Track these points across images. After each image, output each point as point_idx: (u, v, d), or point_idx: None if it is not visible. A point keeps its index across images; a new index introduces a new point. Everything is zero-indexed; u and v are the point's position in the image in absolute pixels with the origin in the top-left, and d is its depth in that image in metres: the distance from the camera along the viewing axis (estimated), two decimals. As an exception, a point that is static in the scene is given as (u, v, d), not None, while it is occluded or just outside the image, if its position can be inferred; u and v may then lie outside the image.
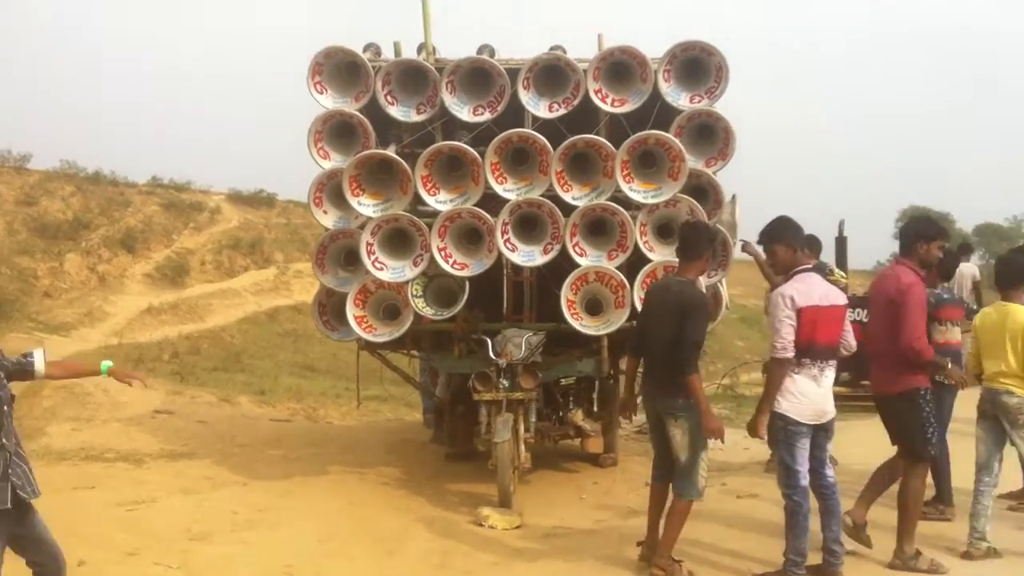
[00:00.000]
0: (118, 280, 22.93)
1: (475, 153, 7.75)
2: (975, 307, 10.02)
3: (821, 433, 5.82)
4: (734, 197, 8.47)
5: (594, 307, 7.98)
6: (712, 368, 17.70)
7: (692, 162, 7.89)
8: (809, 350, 5.67)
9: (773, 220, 5.98)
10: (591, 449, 9.27)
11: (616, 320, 7.80)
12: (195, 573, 6.21)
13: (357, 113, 8.04)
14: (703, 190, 8.09)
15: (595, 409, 9.77)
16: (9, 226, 22.61)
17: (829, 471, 5.88)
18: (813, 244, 7.73)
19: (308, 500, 8.03)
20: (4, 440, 3.82)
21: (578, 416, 9.02)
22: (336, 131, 8.15)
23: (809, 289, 5.68)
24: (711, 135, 8.07)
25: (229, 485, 8.48)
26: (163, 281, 23.49)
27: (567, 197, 7.78)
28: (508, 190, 7.80)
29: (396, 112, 8.08)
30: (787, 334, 5.59)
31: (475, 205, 7.90)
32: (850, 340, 5.92)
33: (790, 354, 5.60)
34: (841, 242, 11.09)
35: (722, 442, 6.01)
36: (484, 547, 6.95)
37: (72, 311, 20.27)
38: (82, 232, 23.86)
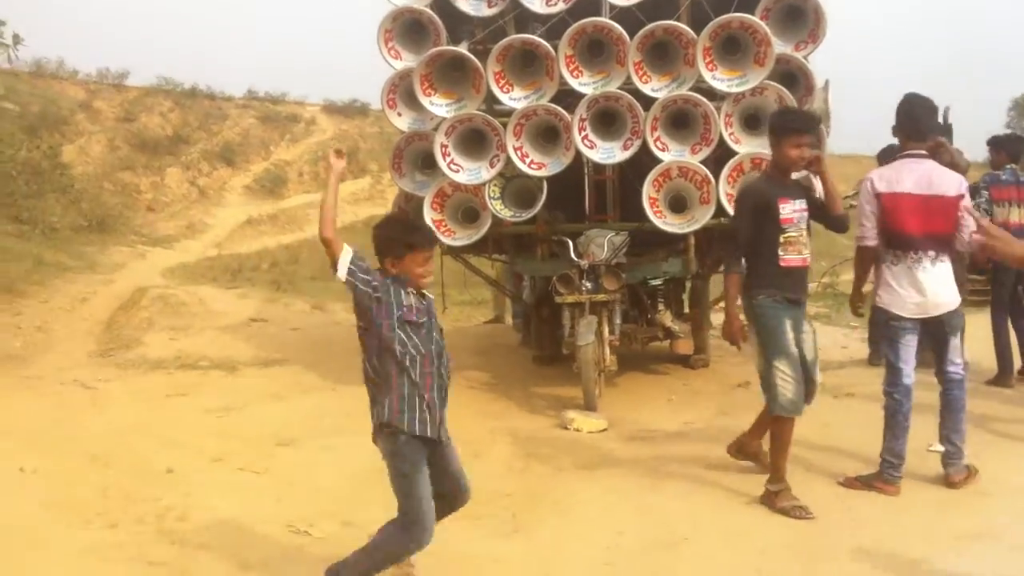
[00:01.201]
0: (218, 193, 23.31)
1: (548, 46, 7.42)
2: None
3: (939, 328, 5.59)
4: (827, 83, 7.99)
5: (678, 204, 7.67)
6: (816, 267, 17.18)
7: (780, 46, 7.44)
8: (899, 239, 5.47)
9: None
10: (681, 350, 9.05)
11: (701, 217, 7.49)
12: (279, 478, 6.24)
13: (426, 9, 7.78)
14: (793, 76, 7.63)
15: (685, 310, 9.55)
16: (110, 143, 23.08)
17: (952, 366, 5.64)
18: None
19: (394, 405, 8.02)
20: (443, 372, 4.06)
21: (666, 317, 8.81)
22: (406, 29, 7.92)
23: (898, 175, 5.43)
24: (801, 17, 7.58)
25: (318, 391, 8.54)
26: (261, 193, 23.77)
27: (646, 89, 7.42)
28: (584, 84, 7.48)
29: (466, 6, 7.79)
30: (867, 221, 5.51)
31: (551, 101, 7.62)
32: (965, 234, 5.49)
33: (871, 242, 5.51)
34: (946, 130, 10.47)
35: (737, 348, 5.71)
36: (568, 450, 6.83)
37: (174, 224, 20.73)
38: (181, 146, 24.25)
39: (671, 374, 9.16)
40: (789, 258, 5.31)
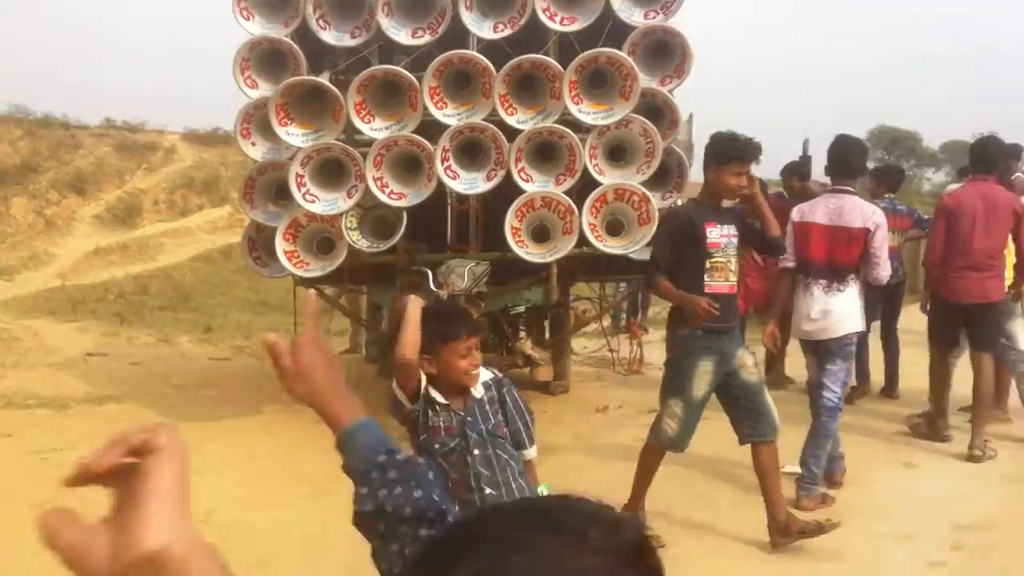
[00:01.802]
0: (66, 223, 22.13)
1: (412, 77, 7.20)
2: None
3: (822, 353, 6.10)
4: (691, 117, 8.04)
5: (541, 234, 7.53)
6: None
7: (646, 81, 7.41)
8: (802, 265, 6.10)
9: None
10: (540, 377, 8.97)
11: (563, 247, 7.37)
12: (102, 525, 5.78)
13: (286, 39, 7.47)
14: (659, 109, 7.62)
15: (545, 337, 9.44)
16: (-54, 167, 21.74)
17: (827, 392, 6.05)
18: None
19: (236, 443, 7.63)
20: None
21: (527, 345, 8.68)
22: (265, 59, 7.60)
23: (812, 207, 6.04)
24: (667, 52, 7.57)
25: (153, 431, 8.02)
26: (113, 222, 22.69)
27: (512, 121, 7.27)
28: (448, 115, 7.28)
29: (329, 37, 7.51)
30: (790, 246, 6.00)
31: (415, 133, 7.39)
32: (874, 272, 6.01)
33: (790, 263, 6.09)
34: (805, 161, 10.69)
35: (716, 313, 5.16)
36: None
37: (16, 255, 19.54)
38: (30, 176, 23.00)
39: (532, 401, 8.94)
40: (715, 284, 5.28)
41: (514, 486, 3.46)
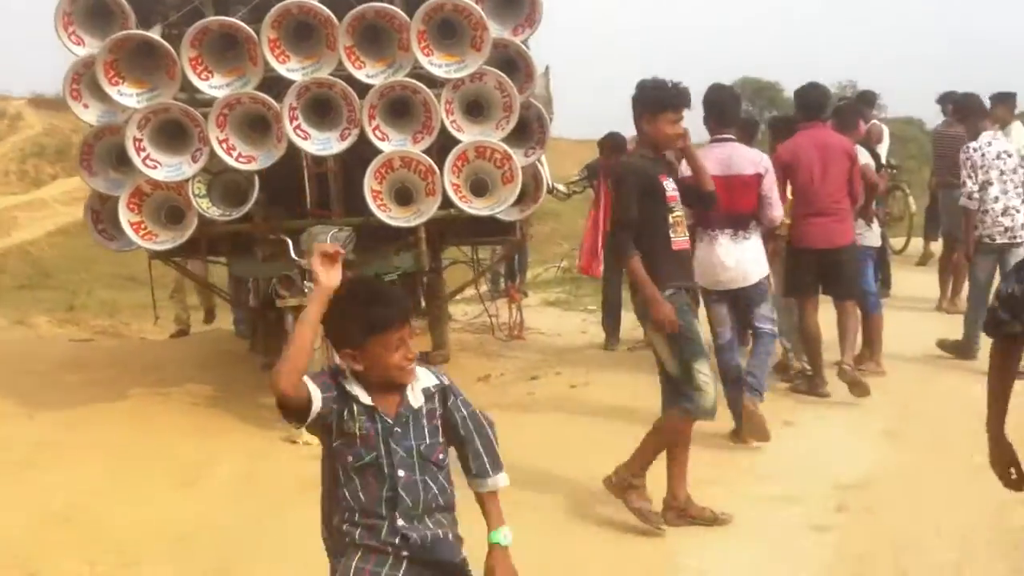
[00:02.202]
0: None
1: (249, 29, 6.78)
2: None
3: (744, 300, 6.34)
4: (547, 69, 7.86)
5: (404, 196, 7.25)
6: (555, 249, 17.37)
7: (497, 31, 7.16)
8: (702, 217, 6.22)
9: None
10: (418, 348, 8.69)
11: (427, 209, 7.10)
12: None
13: (107, -11, 6.95)
14: (512, 62, 7.38)
15: (421, 305, 9.18)
16: None
17: (761, 322, 6.39)
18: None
19: (100, 431, 7.21)
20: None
21: None
22: (89, 12, 7.02)
23: (703, 158, 5.63)
24: (517, 1, 7.33)
25: (10, 418, 7.56)
26: (-40, 196, 21.44)
27: (360, 75, 6.92)
28: (292, 70, 6.88)
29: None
30: None
31: (261, 89, 6.99)
32: (768, 212, 6.35)
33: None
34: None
35: (675, 331, 4.98)
36: (296, 467, 6.30)
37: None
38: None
39: (411, 372, 8.76)
40: (679, 240, 5.13)
41: (440, 533, 2.77)
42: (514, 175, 7.09)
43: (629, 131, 8.83)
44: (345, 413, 2.75)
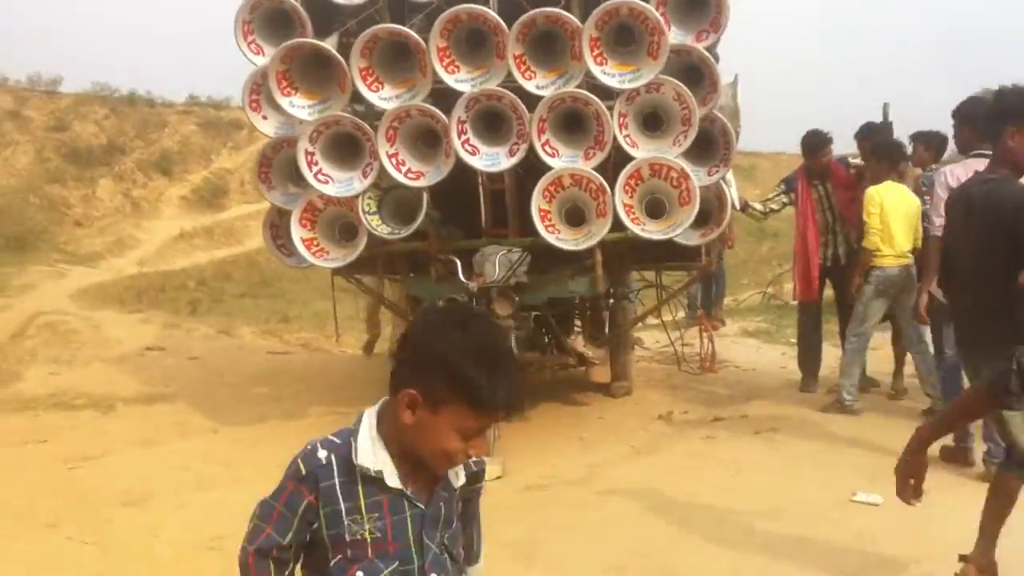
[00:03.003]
0: (153, 205, 22.27)
1: (418, 38, 6.62)
2: None
3: None
4: (736, 78, 7.28)
5: (576, 216, 6.88)
6: (756, 273, 16.50)
7: (678, 36, 6.69)
8: None
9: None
10: (596, 378, 8.24)
11: (598, 231, 6.69)
12: (109, 549, 5.38)
13: (288, -2, 6.96)
14: (696, 70, 6.88)
15: (604, 332, 8.73)
16: (39, 153, 22.05)
17: None
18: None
19: (274, 451, 7.12)
20: None
21: (579, 342, 7.99)
22: (269, 21, 7.06)
23: (966, 173, 5.26)
24: (701, 4, 6.82)
25: (198, 433, 7.71)
26: (200, 204, 22.73)
27: (530, 86, 6.62)
28: (461, 81, 6.67)
29: (336, -7, 6.94)
30: (939, 216, 5.55)
31: (431, 102, 6.81)
32: None
33: (939, 232, 5.58)
34: (885, 127, 9.78)
35: None
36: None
37: (101, 240, 19.72)
38: (116, 156, 23.16)
39: (589, 405, 8.34)
40: None
41: None
42: (691, 196, 6.59)
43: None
44: (346, 512, 1.98)
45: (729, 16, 6.69)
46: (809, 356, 8.40)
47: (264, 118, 7.23)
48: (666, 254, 7.48)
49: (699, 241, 7.20)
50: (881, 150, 7.44)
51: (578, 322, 8.93)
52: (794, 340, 9.21)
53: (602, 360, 8.08)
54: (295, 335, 11.79)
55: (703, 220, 7.13)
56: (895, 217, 7.09)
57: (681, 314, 10.38)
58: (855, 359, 7.41)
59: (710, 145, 7.02)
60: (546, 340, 8.04)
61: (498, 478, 6.34)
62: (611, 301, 8.37)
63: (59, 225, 19.82)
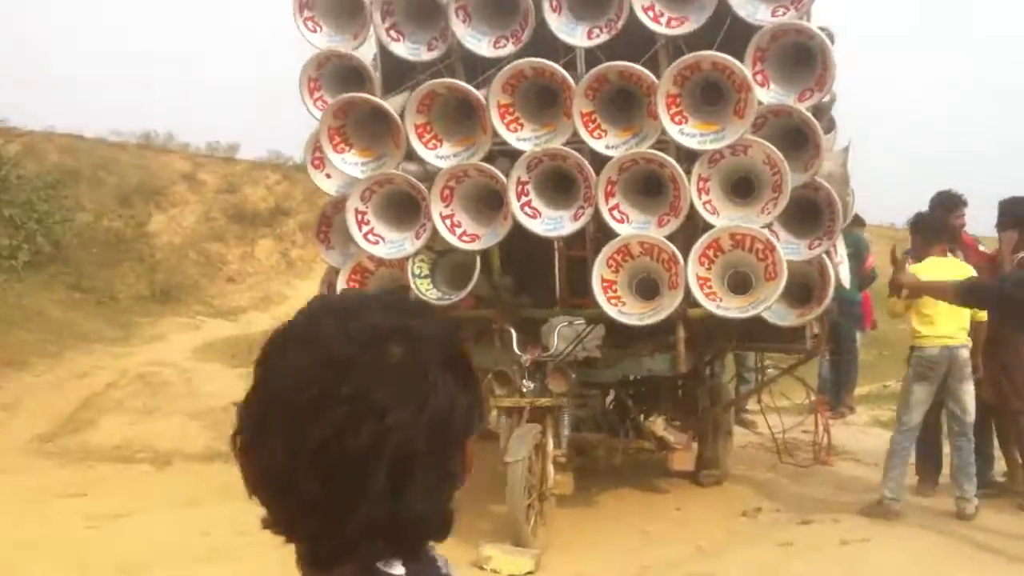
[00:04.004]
0: (307, 265, 22.40)
1: (477, 93, 6.06)
2: None
3: None
4: (848, 144, 6.38)
5: (648, 289, 6.11)
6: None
7: (777, 95, 5.89)
8: None
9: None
10: (678, 466, 7.25)
11: (667, 305, 5.89)
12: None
13: (355, 54, 6.55)
14: (799, 133, 6.02)
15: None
16: (206, 214, 22.67)
17: None
18: None
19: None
20: None
21: (657, 425, 7.11)
22: (337, 77, 6.68)
23: None
24: (806, 61, 5.98)
25: (241, 496, 7.25)
26: (354, 266, 22.87)
27: (599, 145, 5.93)
28: (523, 139, 6.06)
29: (401, 49, 6.48)
30: None
31: (507, 164, 6.22)
32: None
33: None
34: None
35: None
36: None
37: (250, 295, 19.91)
38: (280, 218, 23.62)
39: (668, 493, 7.46)
40: None
41: None
42: (778, 271, 5.70)
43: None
44: None
45: (835, 74, 5.83)
46: (927, 452, 7.24)
47: (328, 176, 6.83)
48: (761, 334, 6.58)
49: (796, 321, 6.30)
50: (919, 225, 6.75)
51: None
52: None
53: (684, 446, 7.15)
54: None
55: (804, 298, 6.26)
56: None
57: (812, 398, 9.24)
58: (897, 453, 6.53)
59: (817, 216, 6.13)
60: (620, 421, 7.25)
61: (529, 573, 5.64)
62: (694, 382, 7.49)
63: (211, 280, 20.20)
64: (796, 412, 9.43)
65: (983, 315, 6.28)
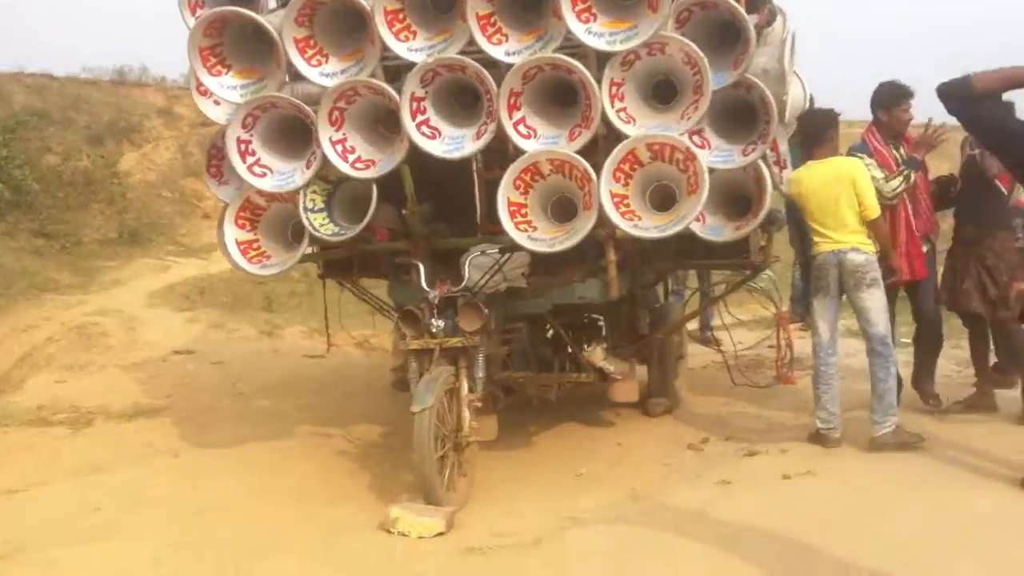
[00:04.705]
0: (287, 198, 21.90)
1: (362, 2, 5.34)
2: None
3: None
4: (787, 37, 5.64)
5: (565, 210, 5.47)
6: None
7: (700, -17, 5.15)
8: None
9: None
10: (619, 398, 6.66)
11: (582, 228, 5.24)
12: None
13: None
14: (729, 27, 5.31)
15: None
16: (182, 149, 21.92)
17: None
18: None
19: (216, 485, 6.17)
20: None
21: (596, 355, 6.51)
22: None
23: None
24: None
25: (158, 457, 6.81)
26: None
27: (498, 52, 5.23)
28: (416, 50, 5.35)
29: (281, -48, 5.76)
30: None
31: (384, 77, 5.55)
32: None
33: None
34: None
35: None
36: (363, 571, 4.79)
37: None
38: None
39: (613, 426, 6.94)
40: None
41: None
42: (699, 183, 5.03)
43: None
44: None
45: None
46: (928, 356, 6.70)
47: (216, 104, 6.08)
48: (700, 250, 5.96)
49: (732, 235, 5.65)
50: (801, 126, 6.00)
51: None
52: (905, 340, 7.27)
53: (626, 375, 6.55)
54: (351, 333, 10.60)
55: (744, 210, 5.66)
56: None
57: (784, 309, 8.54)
58: (820, 376, 5.90)
59: (752, 119, 5.44)
60: (553, 354, 6.69)
61: (439, 535, 5.08)
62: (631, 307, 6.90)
63: (186, 218, 19.54)
64: (767, 326, 8.85)
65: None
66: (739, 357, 8.25)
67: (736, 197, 5.67)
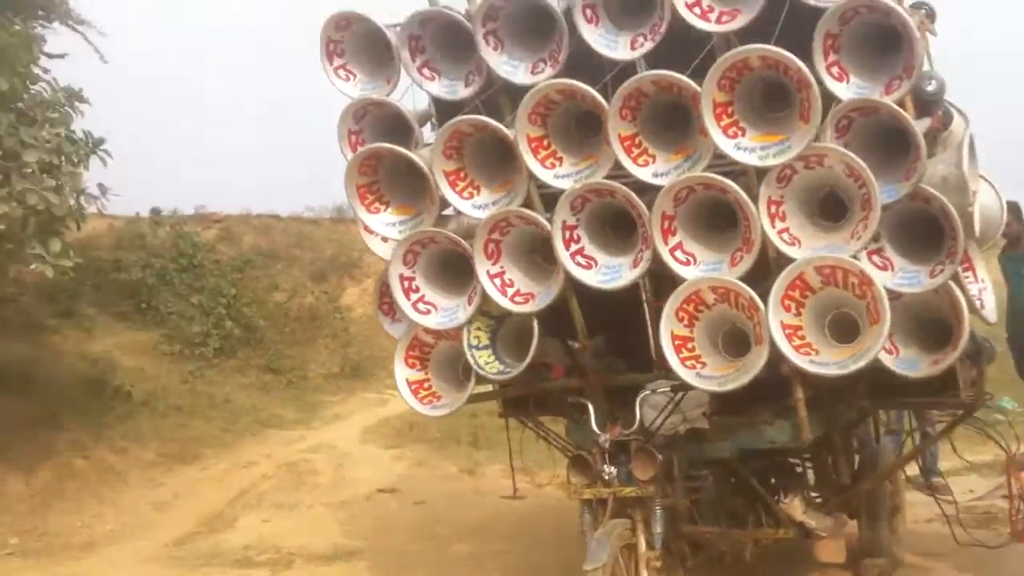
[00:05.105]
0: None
1: (506, 130, 5.27)
2: None
3: None
4: (968, 137, 5.09)
5: (740, 342, 5.06)
6: None
7: (859, 89, 4.77)
8: None
9: None
10: (825, 558, 5.99)
11: (753, 363, 4.81)
12: None
13: (393, 102, 5.89)
14: (898, 133, 4.85)
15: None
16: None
17: None
18: None
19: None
20: None
21: (795, 508, 5.88)
22: (379, 128, 5.98)
23: None
24: (892, 44, 4.82)
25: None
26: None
27: (644, 174, 4.99)
28: (562, 176, 5.21)
29: (436, 88, 5.74)
30: None
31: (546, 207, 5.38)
32: None
33: None
34: None
35: None
36: None
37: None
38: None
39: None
40: None
41: None
42: (880, 308, 4.55)
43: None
44: None
45: (922, 55, 4.66)
46: None
47: (384, 240, 6.15)
48: (898, 387, 5.30)
49: (929, 371, 4.99)
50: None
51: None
52: None
53: (831, 532, 5.89)
54: (550, 473, 10.35)
55: (943, 340, 4.99)
56: None
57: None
58: None
59: (937, 235, 4.91)
60: (747, 506, 6.10)
61: None
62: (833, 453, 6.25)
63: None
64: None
65: None
66: (968, 509, 7.33)
67: (934, 325, 5.05)
